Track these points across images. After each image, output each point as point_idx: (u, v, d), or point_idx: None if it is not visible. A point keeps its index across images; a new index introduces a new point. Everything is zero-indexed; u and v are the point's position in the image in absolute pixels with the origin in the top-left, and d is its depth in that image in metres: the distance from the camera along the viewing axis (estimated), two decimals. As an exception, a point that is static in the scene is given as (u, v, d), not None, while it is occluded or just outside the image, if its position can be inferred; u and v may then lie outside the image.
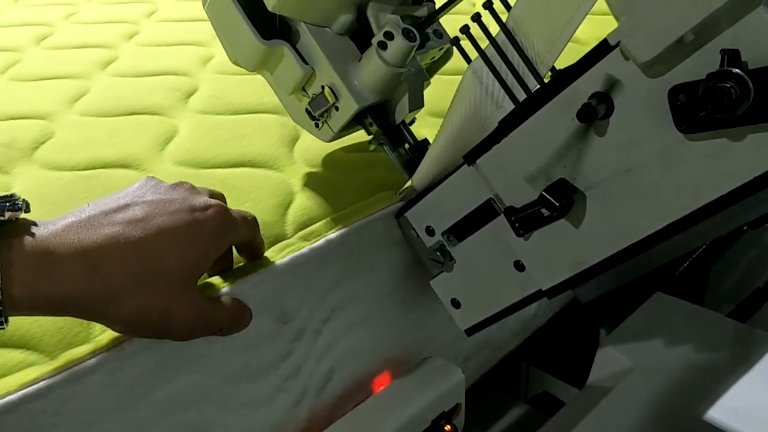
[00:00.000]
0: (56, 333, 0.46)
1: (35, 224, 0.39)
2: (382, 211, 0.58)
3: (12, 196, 0.39)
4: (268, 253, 0.53)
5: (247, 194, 0.60)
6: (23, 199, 0.40)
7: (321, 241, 0.55)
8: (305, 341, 0.55)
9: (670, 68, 0.38)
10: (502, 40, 0.46)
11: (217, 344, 0.48)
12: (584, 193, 0.44)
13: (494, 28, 0.47)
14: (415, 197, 0.56)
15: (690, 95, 0.37)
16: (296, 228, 0.57)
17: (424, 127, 0.72)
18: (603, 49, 0.40)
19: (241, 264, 0.52)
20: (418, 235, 0.56)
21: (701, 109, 0.36)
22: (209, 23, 0.57)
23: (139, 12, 1.15)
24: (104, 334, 0.45)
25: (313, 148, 0.68)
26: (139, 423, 0.46)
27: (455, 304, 0.55)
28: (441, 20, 0.58)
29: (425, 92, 0.60)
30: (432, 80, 0.66)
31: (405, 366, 0.64)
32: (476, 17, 0.46)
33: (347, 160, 0.67)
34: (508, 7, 0.47)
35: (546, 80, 0.45)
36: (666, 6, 0.35)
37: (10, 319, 0.38)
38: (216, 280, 0.50)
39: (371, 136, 0.59)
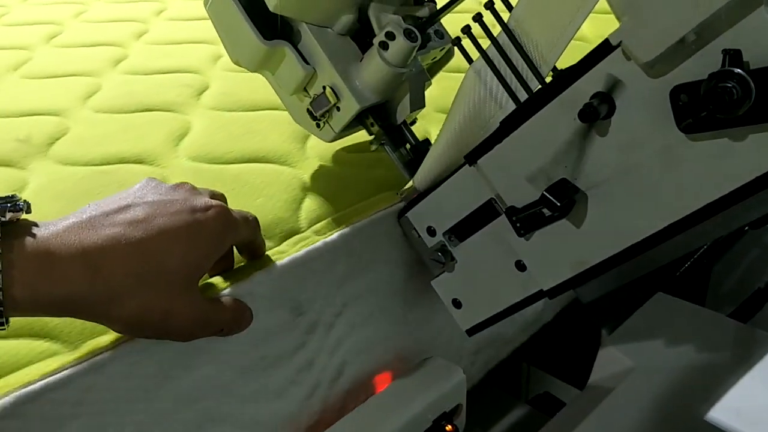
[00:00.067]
0: (78, 323, 0.46)
1: (36, 225, 0.39)
2: (394, 207, 0.59)
3: (13, 196, 0.40)
4: (282, 247, 0.54)
5: (260, 190, 0.61)
6: (24, 200, 0.40)
7: (335, 235, 0.55)
8: (318, 334, 0.56)
9: (672, 68, 0.38)
10: (504, 40, 0.46)
11: (234, 336, 0.49)
12: (585, 193, 0.44)
13: (496, 28, 0.47)
14: (417, 197, 0.56)
15: (691, 95, 0.37)
16: (309, 223, 0.57)
17: (432, 123, 0.72)
18: (605, 49, 0.40)
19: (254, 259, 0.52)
20: (419, 236, 0.56)
21: (703, 109, 0.36)
22: (218, 22, 0.57)
23: (148, 10, 1.16)
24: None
25: (325, 143, 0.68)
26: (157, 413, 0.47)
27: (456, 304, 0.55)
28: (442, 19, 0.58)
29: (427, 91, 0.60)
30: (439, 76, 0.66)
31: (408, 365, 0.64)
32: (478, 17, 0.46)
33: (360, 156, 0.67)
34: (509, 7, 0.47)
35: (548, 80, 0.45)
36: (668, 6, 0.35)
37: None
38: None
39: (372, 137, 0.59)
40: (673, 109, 0.38)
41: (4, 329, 0.37)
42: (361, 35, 0.56)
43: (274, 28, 0.55)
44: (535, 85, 0.46)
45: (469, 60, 0.50)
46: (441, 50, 0.63)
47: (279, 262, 0.52)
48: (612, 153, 0.42)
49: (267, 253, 0.53)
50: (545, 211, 0.44)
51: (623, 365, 0.70)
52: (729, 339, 0.73)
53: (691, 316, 0.76)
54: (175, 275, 0.42)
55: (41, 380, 0.42)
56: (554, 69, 0.46)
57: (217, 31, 0.57)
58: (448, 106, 0.52)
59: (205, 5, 0.56)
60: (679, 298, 0.78)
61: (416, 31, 0.54)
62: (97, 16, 1.15)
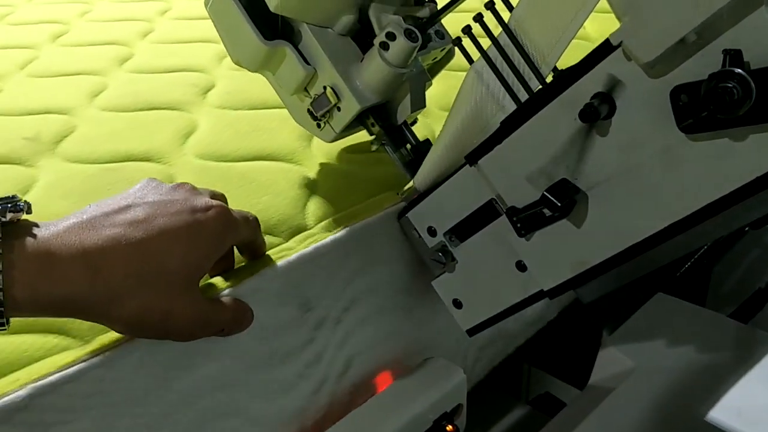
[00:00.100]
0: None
1: (36, 225, 0.39)
2: (401, 204, 0.59)
3: (14, 197, 0.40)
4: (290, 243, 0.54)
5: (266, 187, 0.61)
6: (25, 201, 0.40)
7: (343, 231, 0.55)
8: (326, 329, 0.56)
9: (672, 68, 0.38)
10: (505, 40, 0.46)
11: (245, 331, 0.49)
12: (586, 194, 0.44)
13: (497, 29, 0.47)
14: (417, 198, 0.56)
15: (692, 95, 0.37)
16: (316, 220, 0.58)
17: (436, 121, 0.72)
18: (605, 49, 0.40)
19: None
20: (420, 236, 0.56)
21: (703, 109, 0.36)
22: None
23: (153, 10, 1.16)
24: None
25: (331, 141, 0.69)
26: (168, 407, 0.47)
27: (457, 304, 0.55)
28: (443, 19, 0.58)
29: (430, 89, 0.60)
30: (443, 74, 0.66)
31: (416, 359, 0.64)
32: (478, 17, 0.46)
33: (367, 153, 0.67)
34: (510, 7, 0.47)
35: (548, 80, 0.45)
36: (668, 7, 0.35)
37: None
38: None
39: (373, 137, 0.59)
40: (674, 109, 0.38)
41: (5, 329, 0.37)
42: (362, 36, 0.56)
43: (275, 29, 0.55)
44: (536, 85, 0.46)
45: (470, 60, 0.50)
46: (441, 50, 0.63)
47: (287, 259, 0.52)
48: (612, 153, 0.42)
49: (275, 249, 0.53)
50: (546, 211, 0.44)
51: (624, 365, 0.70)
52: (729, 339, 0.73)
53: (691, 317, 0.76)
54: (176, 275, 0.42)
55: (55, 373, 0.42)
56: (555, 69, 0.46)
57: (217, 31, 0.57)
58: (451, 104, 0.52)
59: (206, 5, 0.56)
60: (679, 299, 0.78)
61: (417, 32, 0.54)
62: (102, 16, 1.15)
